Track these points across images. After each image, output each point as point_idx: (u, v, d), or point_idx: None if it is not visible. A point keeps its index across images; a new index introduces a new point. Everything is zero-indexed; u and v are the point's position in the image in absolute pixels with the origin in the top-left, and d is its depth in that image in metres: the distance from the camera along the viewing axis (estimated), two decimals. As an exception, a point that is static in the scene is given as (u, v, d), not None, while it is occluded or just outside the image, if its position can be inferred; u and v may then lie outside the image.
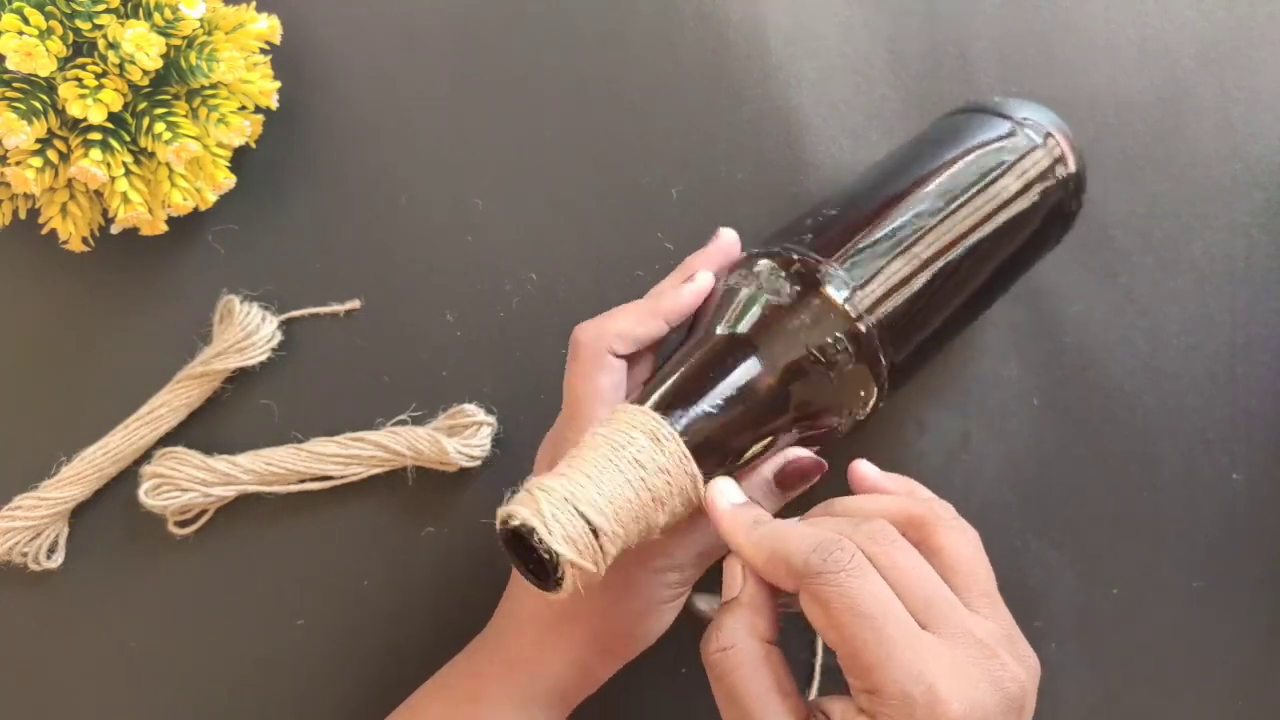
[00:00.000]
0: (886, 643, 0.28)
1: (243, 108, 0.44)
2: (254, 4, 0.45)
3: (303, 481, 0.45)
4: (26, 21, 0.39)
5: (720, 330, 0.37)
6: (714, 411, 0.34)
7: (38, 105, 0.40)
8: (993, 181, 0.41)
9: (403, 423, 0.46)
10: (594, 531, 0.31)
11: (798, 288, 0.37)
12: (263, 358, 0.45)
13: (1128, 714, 0.48)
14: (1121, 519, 0.48)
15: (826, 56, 0.50)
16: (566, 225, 0.48)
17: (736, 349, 0.36)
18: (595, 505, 0.31)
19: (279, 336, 0.46)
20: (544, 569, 0.31)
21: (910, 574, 0.30)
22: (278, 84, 0.46)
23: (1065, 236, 0.45)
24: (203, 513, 0.45)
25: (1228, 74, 0.52)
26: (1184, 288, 0.50)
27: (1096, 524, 0.48)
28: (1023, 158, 0.42)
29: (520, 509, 0.31)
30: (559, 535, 0.30)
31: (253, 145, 0.47)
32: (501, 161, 0.49)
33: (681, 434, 0.33)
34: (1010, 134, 0.43)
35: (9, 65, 0.39)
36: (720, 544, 0.35)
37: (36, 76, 0.40)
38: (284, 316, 0.46)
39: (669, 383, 0.35)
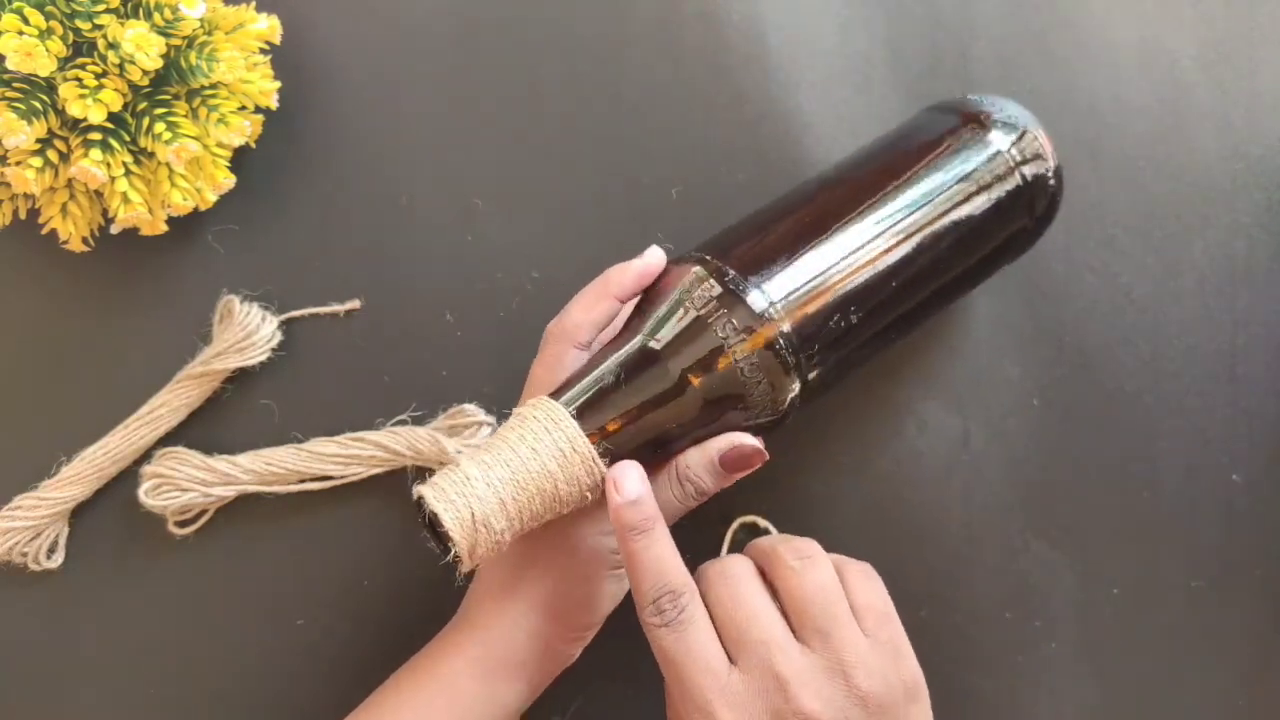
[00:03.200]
0: (684, 682, 0.33)
1: (243, 108, 0.44)
2: (254, 4, 0.45)
3: (303, 481, 0.45)
4: (26, 21, 0.39)
5: (640, 334, 0.38)
6: (624, 412, 0.36)
7: (38, 105, 0.40)
8: (931, 192, 0.41)
9: (403, 423, 0.46)
10: (477, 515, 0.34)
11: (717, 296, 0.37)
12: (263, 358, 0.45)
13: (1128, 714, 0.48)
14: (1121, 519, 0.48)
15: (826, 57, 0.50)
16: (566, 225, 0.48)
17: (648, 353, 0.37)
18: (484, 494, 0.35)
19: (279, 336, 0.46)
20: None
21: (727, 610, 0.35)
22: (278, 84, 0.46)
23: (1024, 254, 0.45)
24: (203, 513, 0.45)
25: (1227, 74, 0.51)
26: (1185, 288, 0.50)
27: (1096, 524, 0.48)
28: (978, 167, 0.41)
29: (425, 490, 0.35)
30: (451, 518, 0.34)
31: (253, 145, 0.47)
32: (501, 161, 0.49)
33: (591, 432, 0.36)
34: (967, 138, 0.42)
35: (9, 65, 0.39)
36: (670, 509, 0.37)
37: (36, 76, 0.40)
38: (284, 316, 0.46)
39: (585, 380, 0.37)
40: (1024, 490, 0.48)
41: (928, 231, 0.40)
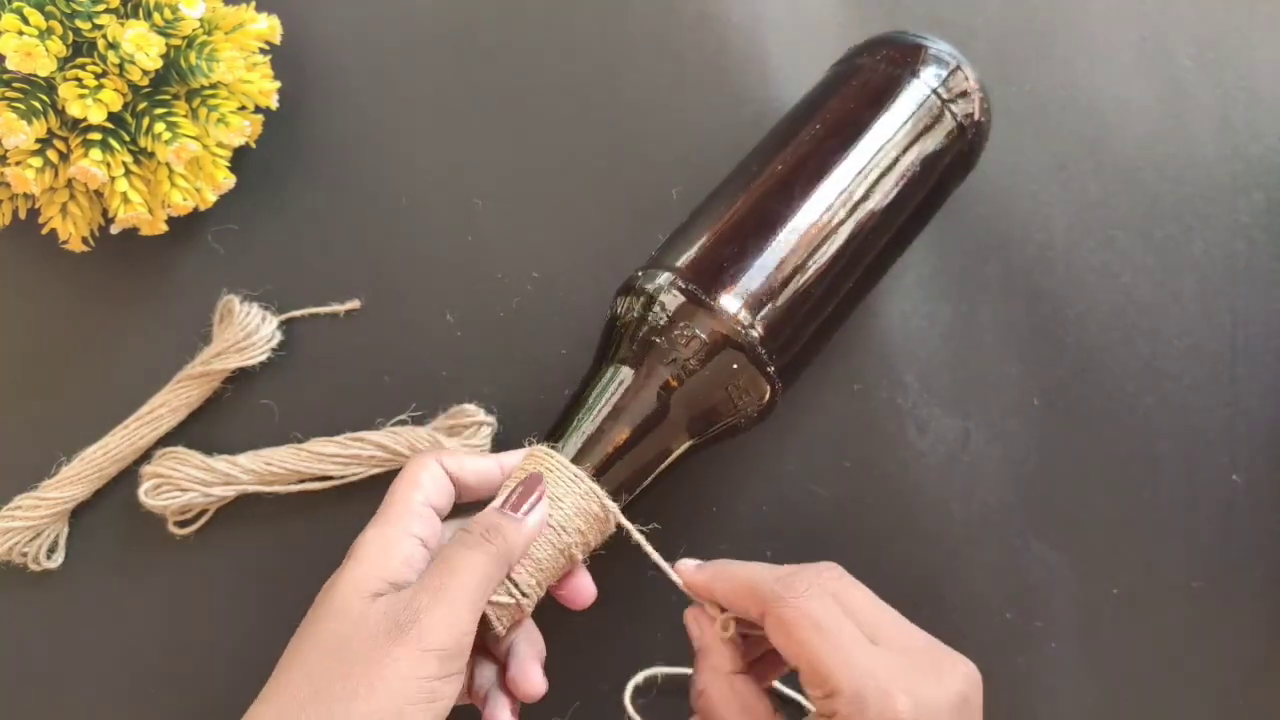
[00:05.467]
0: (841, 649, 0.32)
1: (243, 108, 0.44)
2: (254, 4, 0.45)
3: (303, 481, 0.45)
4: (26, 21, 0.39)
5: (613, 362, 0.38)
6: (623, 448, 0.37)
7: (38, 105, 0.40)
8: (877, 149, 0.41)
9: (403, 423, 0.46)
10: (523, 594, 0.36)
11: (682, 306, 0.37)
12: (263, 358, 0.45)
13: (1128, 714, 0.48)
14: (1121, 519, 0.48)
15: (826, 57, 0.50)
16: (566, 225, 0.48)
17: (625, 380, 0.38)
18: (530, 585, 0.36)
19: (279, 336, 0.46)
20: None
21: (861, 601, 0.35)
22: (278, 84, 0.46)
23: (968, 175, 0.45)
24: (203, 513, 0.45)
25: (1227, 74, 0.51)
26: (1184, 288, 0.50)
27: (1096, 524, 0.48)
28: (912, 115, 0.41)
29: None
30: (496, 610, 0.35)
31: (253, 145, 0.47)
32: (501, 161, 0.49)
33: (600, 479, 0.37)
34: (899, 83, 0.42)
35: (9, 65, 0.39)
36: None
37: (36, 76, 0.40)
38: (284, 316, 0.46)
39: (574, 423, 0.38)
40: (1024, 490, 0.48)
41: (874, 198, 0.40)
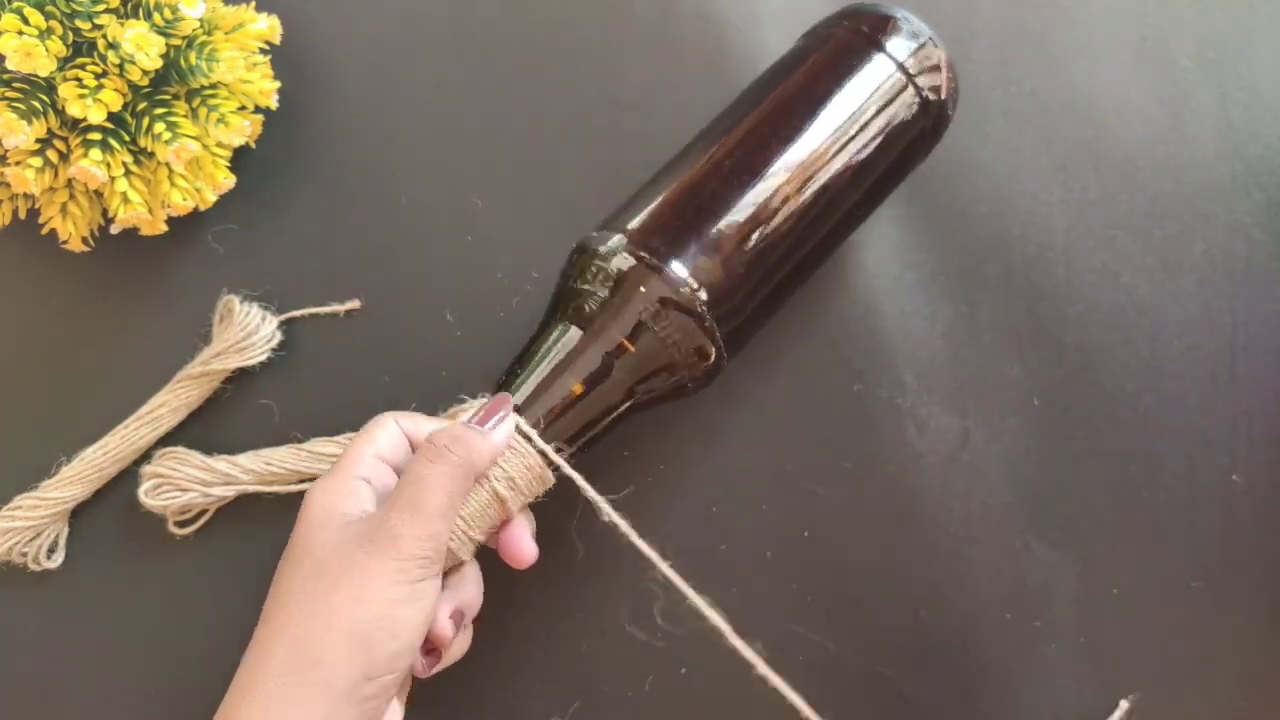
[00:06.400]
0: None
1: (243, 108, 0.44)
2: (254, 4, 0.45)
3: (303, 481, 0.45)
4: (26, 21, 0.39)
5: (561, 323, 0.39)
6: (565, 404, 0.38)
7: (38, 105, 0.40)
8: (837, 120, 0.41)
9: (403, 423, 0.46)
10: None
11: (632, 268, 0.38)
12: (263, 358, 0.45)
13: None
14: (1121, 519, 0.48)
15: (826, 56, 0.50)
16: (566, 225, 0.48)
17: (580, 341, 0.38)
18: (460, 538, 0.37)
19: (279, 336, 0.46)
20: None
21: None
22: (278, 84, 0.46)
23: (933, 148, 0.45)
24: (203, 513, 0.45)
25: (1227, 74, 0.51)
26: (1184, 288, 0.50)
27: (1096, 524, 0.48)
28: (874, 91, 0.41)
29: None
30: None
31: (253, 145, 0.47)
32: (501, 161, 0.49)
33: (544, 430, 0.38)
34: (861, 57, 0.42)
35: (9, 65, 0.39)
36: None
37: (36, 76, 0.40)
38: (284, 316, 0.46)
39: (524, 376, 0.38)
40: (1024, 490, 0.48)
41: (831, 169, 0.40)
